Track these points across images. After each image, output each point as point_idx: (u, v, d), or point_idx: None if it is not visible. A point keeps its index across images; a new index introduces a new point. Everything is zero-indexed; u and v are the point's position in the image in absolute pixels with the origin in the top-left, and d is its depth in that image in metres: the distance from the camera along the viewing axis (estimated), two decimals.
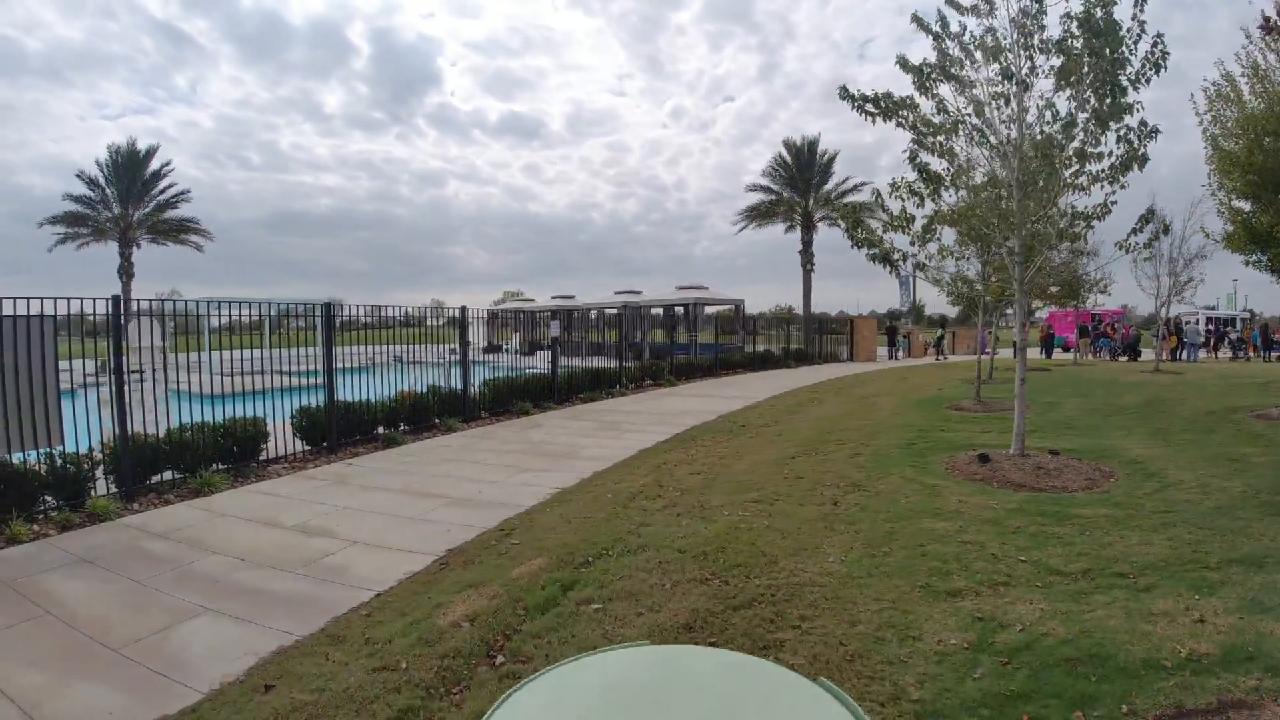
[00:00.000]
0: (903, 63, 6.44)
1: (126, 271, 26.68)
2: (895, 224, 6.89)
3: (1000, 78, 6.08)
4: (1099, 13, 5.51)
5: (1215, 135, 11.27)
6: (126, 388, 5.63)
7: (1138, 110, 5.65)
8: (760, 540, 4.33)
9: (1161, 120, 5.67)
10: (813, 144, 27.03)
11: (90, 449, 5.48)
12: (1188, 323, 25.47)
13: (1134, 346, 25.25)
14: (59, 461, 5.19)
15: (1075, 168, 5.96)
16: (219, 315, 6.67)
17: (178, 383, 7.10)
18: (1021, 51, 5.96)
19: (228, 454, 6.41)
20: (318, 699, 2.56)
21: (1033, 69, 5.97)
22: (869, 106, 6.42)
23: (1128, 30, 5.49)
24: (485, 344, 10.32)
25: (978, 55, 6.17)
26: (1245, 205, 11.29)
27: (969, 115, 6.30)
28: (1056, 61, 5.84)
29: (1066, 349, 27.24)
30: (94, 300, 5.47)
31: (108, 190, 26.61)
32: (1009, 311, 14.68)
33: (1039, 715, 2.30)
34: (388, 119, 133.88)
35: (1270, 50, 9.80)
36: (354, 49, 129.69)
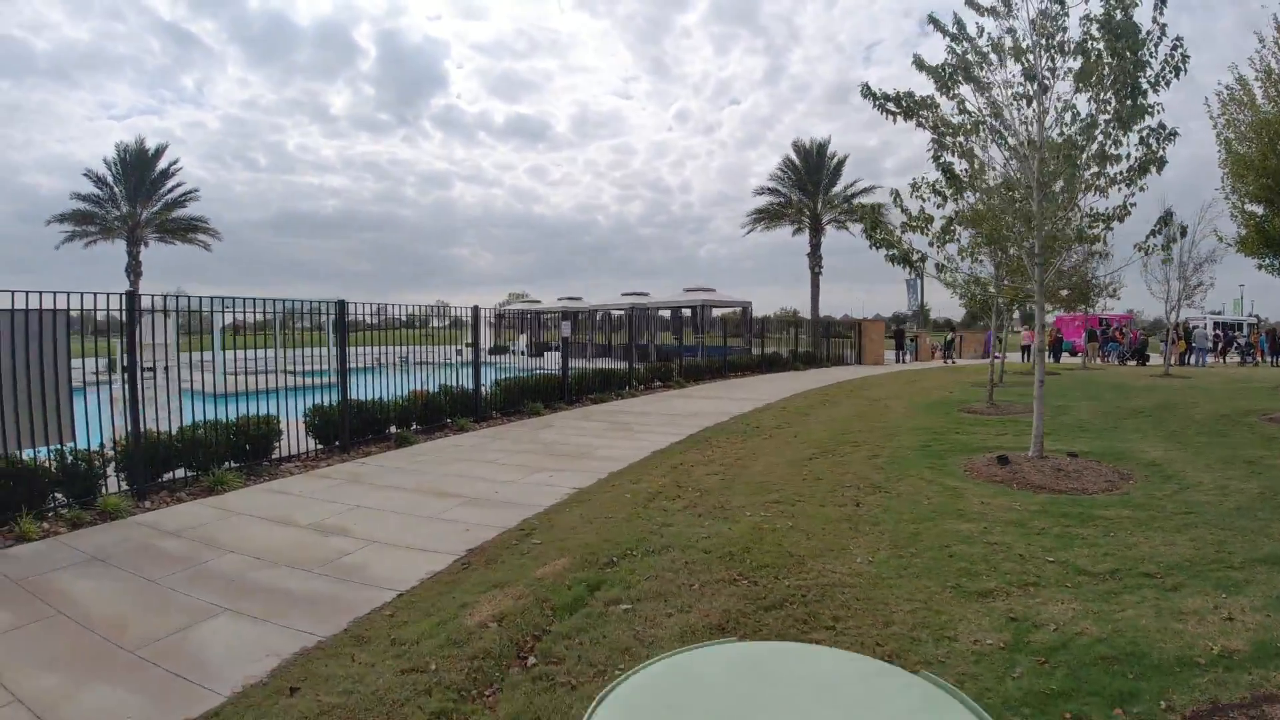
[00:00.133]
0: (919, 63, 6.43)
1: (134, 270, 26.68)
2: (914, 224, 6.84)
3: (1023, 79, 6.04)
4: (1119, 15, 5.48)
5: (1229, 139, 11.20)
6: (140, 384, 5.55)
7: (1158, 112, 5.62)
8: (785, 541, 4.28)
9: (1167, 123, 5.66)
10: (822, 147, 27.03)
11: (102, 445, 5.41)
12: (1195, 327, 25.30)
13: (1142, 351, 25.12)
14: (70, 458, 5.11)
15: (1095, 169, 5.91)
16: (232, 312, 6.60)
17: (191, 381, 7.03)
18: (1042, 53, 5.92)
19: (240, 452, 6.33)
20: (346, 702, 2.47)
21: (1053, 70, 5.93)
22: (890, 105, 6.41)
23: (1147, 33, 5.47)
24: (491, 345, 10.26)
25: (993, 57, 6.16)
26: (1259, 209, 11.24)
27: (988, 116, 6.26)
28: (1075, 63, 5.81)
29: (1074, 353, 27.13)
30: (108, 295, 5.40)
31: (116, 189, 26.63)
32: (1015, 315, 14.61)
33: (1080, 713, 2.29)
34: (394, 121, 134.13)
35: None
36: (360, 51, 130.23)
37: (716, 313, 24.40)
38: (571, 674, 2.69)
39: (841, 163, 26.65)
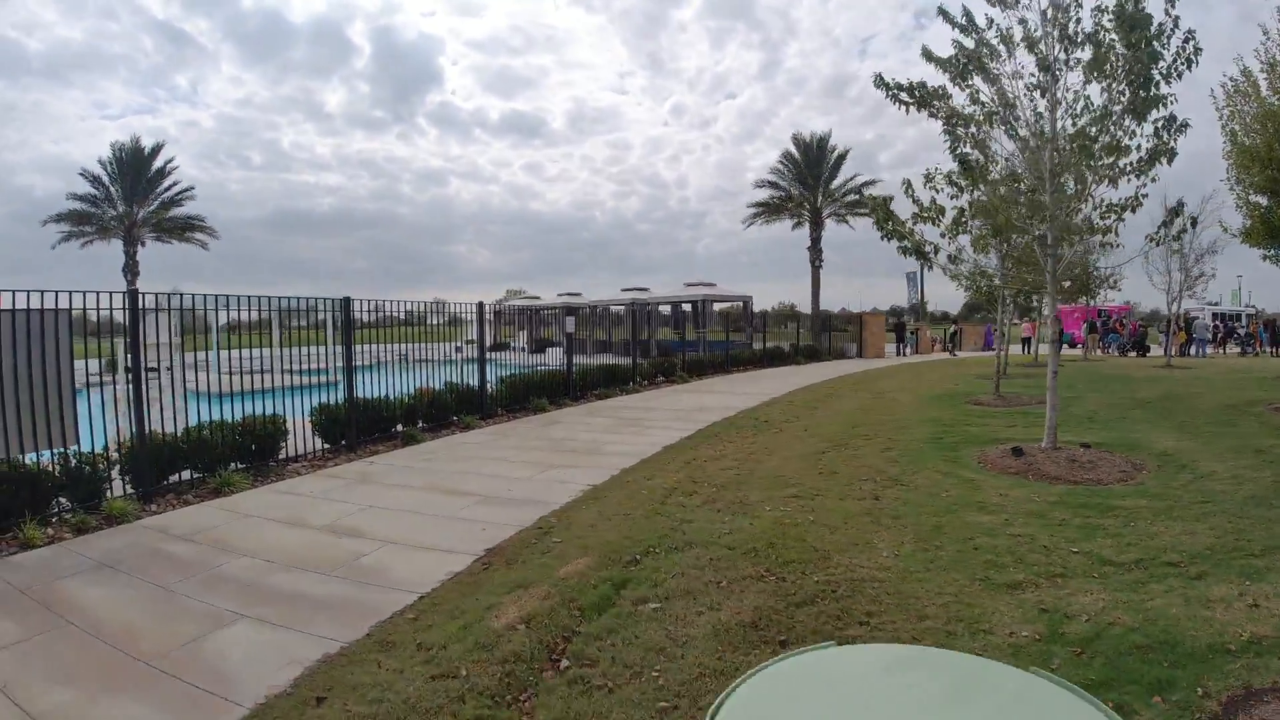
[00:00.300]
0: (928, 54, 6.44)
1: (132, 269, 26.35)
2: (926, 215, 6.80)
3: (1037, 69, 6.00)
4: (1130, 7, 5.47)
5: (1234, 130, 11.17)
6: (144, 384, 5.43)
7: (1171, 103, 5.62)
8: (809, 536, 4.23)
9: (1177, 114, 5.66)
10: (823, 140, 26.92)
11: (106, 448, 5.29)
12: (1195, 318, 25.33)
13: (1141, 342, 25.14)
14: (73, 461, 4.99)
15: (1111, 160, 5.88)
16: (237, 311, 6.48)
17: (196, 381, 6.90)
18: (1055, 44, 5.88)
19: (246, 453, 6.22)
20: (376, 711, 2.38)
21: (1066, 61, 5.90)
22: (904, 95, 6.41)
23: (1160, 25, 5.46)
24: (492, 342, 10.15)
25: (1001, 48, 6.14)
26: (1263, 200, 11.24)
27: (1001, 106, 6.22)
28: (1085, 54, 5.80)
29: (1073, 345, 27.12)
30: (110, 294, 5.27)
31: (112, 188, 26.24)
32: (1010, 307, 14.56)
33: (1122, 702, 2.30)
34: (389, 118, 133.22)
35: None
36: (355, 48, 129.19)
37: (716, 307, 24.30)
38: (607, 676, 2.61)
39: (842, 156, 26.61)
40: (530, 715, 2.36)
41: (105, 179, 26.30)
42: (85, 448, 5.11)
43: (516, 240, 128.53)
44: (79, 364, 5.40)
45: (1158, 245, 7.11)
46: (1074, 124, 5.96)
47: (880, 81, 6.42)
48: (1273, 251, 11.94)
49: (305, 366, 8.31)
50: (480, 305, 9.65)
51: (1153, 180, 5.94)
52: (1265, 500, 4.65)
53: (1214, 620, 2.85)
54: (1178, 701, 2.29)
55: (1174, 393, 11.24)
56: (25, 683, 2.68)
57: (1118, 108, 5.70)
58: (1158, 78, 5.51)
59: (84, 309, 5.20)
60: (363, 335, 7.94)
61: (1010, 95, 6.18)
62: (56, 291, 4.97)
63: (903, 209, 6.91)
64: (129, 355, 5.41)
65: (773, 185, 27.76)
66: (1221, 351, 26.55)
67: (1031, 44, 5.98)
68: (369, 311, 7.80)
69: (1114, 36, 5.56)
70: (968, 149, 6.38)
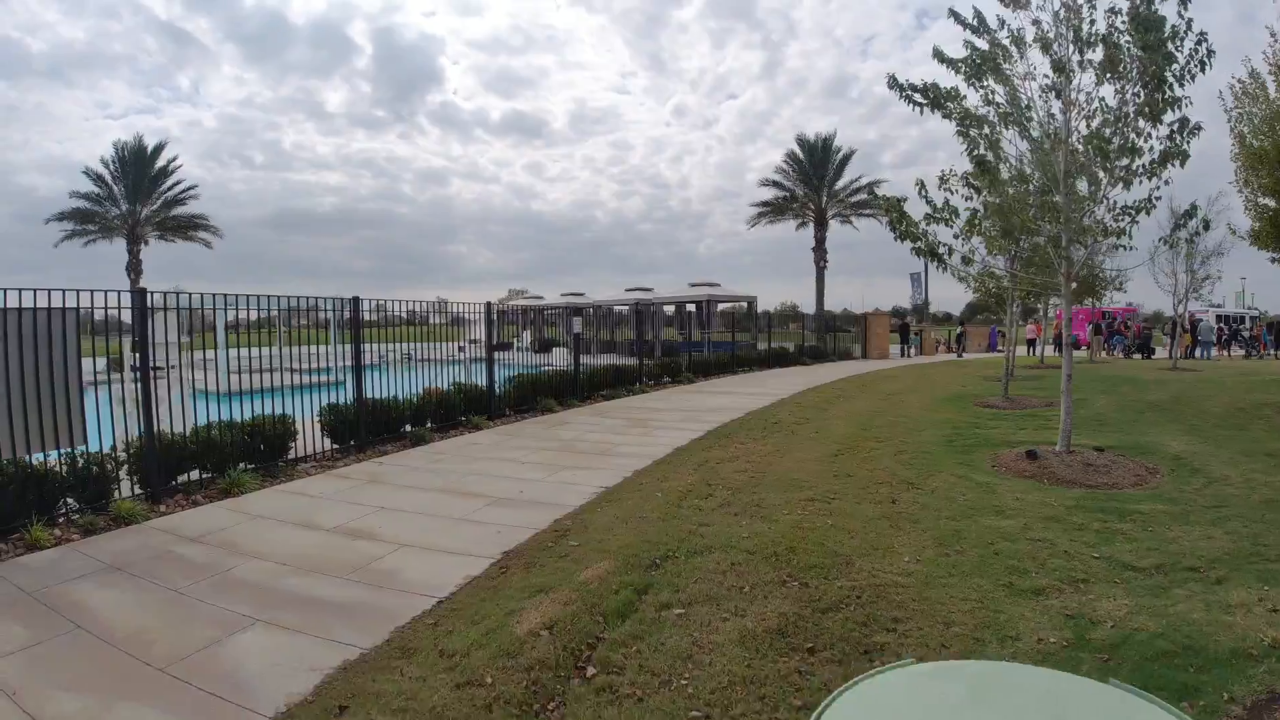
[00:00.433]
0: (939, 55, 6.42)
1: (135, 269, 26.27)
2: (939, 216, 6.75)
3: (1052, 71, 5.96)
4: (1143, 9, 5.47)
5: (1243, 132, 11.12)
6: (153, 384, 5.36)
7: (1186, 105, 5.59)
8: (829, 540, 4.17)
9: (1190, 117, 5.64)
10: (827, 141, 26.90)
11: (114, 447, 5.22)
12: (1200, 320, 25.25)
13: (1146, 344, 25.07)
14: (80, 461, 4.92)
15: (1127, 161, 5.85)
16: (247, 310, 6.41)
17: (205, 380, 6.83)
18: (1069, 44, 5.86)
19: (254, 453, 6.15)
20: None
21: (1081, 62, 5.88)
22: (918, 96, 6.40)
23: (1173, 27, 5.43)
24: (495, 341, 10.09)
25: (1013, 49, 6.09)
26: (1272, 202, 11.20)
27: (1019, 106, 6.19)
28: (1095, 55, 5.78)
29: (1078, 346, 27.05)
30: (119, 293, 5.21)
31: (115, 187, 26.17)
32: (1016, 309, 14.50)
33: None
34: (390, 117, 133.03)
35: None
36: (356, 48, 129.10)
37: (720, 307, 24.22)
38: (636, 685, 2.55)
39: (847, 157, 26.60)
40: None
41: (108, 178, 26.26)
42: (93, 448, 5.04)
43: (517, 240, 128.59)
44: (84, 362, 5.33)
45: (1171, 247, 7.09)
46: (1087, 125, 5.94)
47: (894, 82, 6.39)
48: None
49: (309, 366, 8.24)
50: (489, 305, 9.59)
51: (1167, 183, 5.93)
52: (1279, 505, 4.64)
53: (1235, 625, 2.85)
54: (1205, 707, 2.30)
55: (1182, 395, 11.17)
56: (35, 689, 2.61)
57: (1130, 109, 5.68)
58: (1171, 80, 5.49)
59: (92, 308, 5.14)
60: (370, 335, 7.88)
61: (1025, 96, 6.17)
62: (64, 290, 4.90)
63: (910, 209, 6.89)
64: (137, 354, 5.34)
65: (777, 185, 27.76)
66: (1226, 354, 26.47)
67: (1046, 45, 5.95)
68: (375, 311, 7.74)
69: (1128, 38, 5.55)
70: (984, 150, 6.34)
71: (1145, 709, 1.03)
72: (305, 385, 7.35)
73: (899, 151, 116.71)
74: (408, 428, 7.99)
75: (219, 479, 5.68)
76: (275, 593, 3.54)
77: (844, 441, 7.50)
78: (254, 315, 6.92)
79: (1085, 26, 5.75)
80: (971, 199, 6.92)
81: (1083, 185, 6.15)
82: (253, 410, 6.28)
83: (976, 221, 7.24)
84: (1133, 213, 6.14)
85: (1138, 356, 24.24)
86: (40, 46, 69.48)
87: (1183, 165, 5.79)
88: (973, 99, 6.29)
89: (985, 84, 6.21)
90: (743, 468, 6.26)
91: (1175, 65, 5.48)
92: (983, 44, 6.17)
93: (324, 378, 8.54)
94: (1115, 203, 6.15)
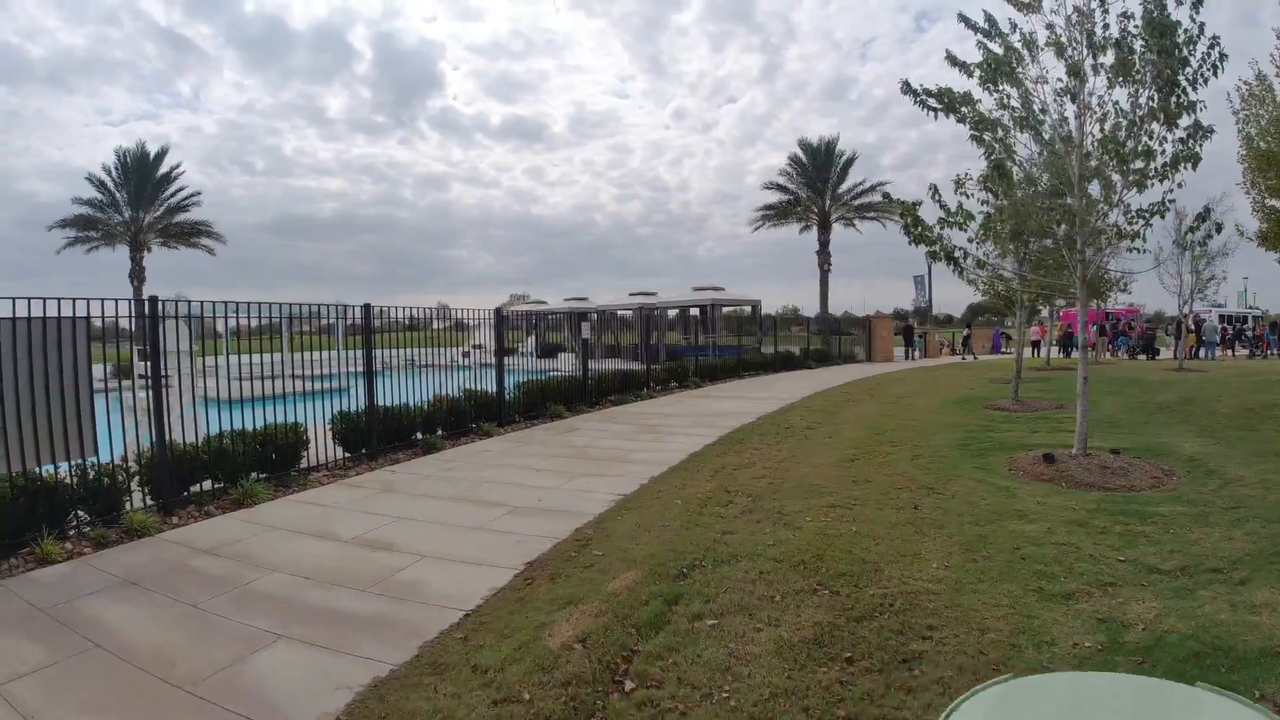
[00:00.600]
0: (951, 59, 6.43)
1: (138, 275, 26.17)
2: (953, 220, 6.73)
3: (1066, 75, 5.95)
4: (1156, 13, 5.46)
5: (1250, 134, 11.12)
6: (165, 393, 5.29)
7: (1201, 109, 5.57)
8: (855, 547, 4.13)
9: (1202, 120, 5.63)
10: (830, 145, 26.92)
11: (125, 458, 5.14)
12: (1204, 320, 25.21)
13: (1151, 345, 25.02)
14: (91, 473, 4.84)
15: (1142, 165, 5.83)
16: (258, 318, 6.35)
17: (217, 390, 6.74)
18: (1084, 48, 5.84)
19: (266, 462, 6.07)
20: None
21: (1095, 66, 5.86)
22: (932, 101, 6.42)
23: (1186, 31, 5.43)
24: (496, 347, 10.04)
25: (1025, 53, 6.06)
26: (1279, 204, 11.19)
27: (1033, 110, 6.17)
28: (1107, 59, 5.77)
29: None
30: (130, 301, 5.14)
31: (118, 193, 26.08)
32: (1030, 309, 14.46)
33: None
34: (390, 123, 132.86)
35: None
36: (356, 53, 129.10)
37: (724, 311, 24.18)
38: (676, 699, 2.48)
39: (851, 160, 26.63)
40: None
41: (111, 184, 26.18)
42: (103, 458, 4.96)
43: (518, 244, 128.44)
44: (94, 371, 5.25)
45: (1185, 250, 7.11)
46: (1101, 129, 5.92)
47: (908, 87, 6.39)
48: None
49: (314, 373, 8.16)
50: (498, 311, 9.53)
51: (1180, 186, 5.91)
52: None
53: (1261, 625, 2.87)
54: None
55: (1191, 396, 11.13)
56: (54, 713, 2.51)
57: (1142, 112, 5.67)
58: (1185, 84, 5.48)
59: (103, 316, 5.07)
60: (379, 340, 7.80)
61: (1038, 100, 6.15)
62: (74, 299, 4.84)
63: (926, 213, 6.87)
64: (148, 363, 5.27)
65: (781, 188, 27.80)
66: (1230, 354, 26.43)
67: (1060, 49, 5.95)
68: (382, 318, 7.66)
69: (1141, 43, 5.54)
70: (1001, 154, 6.33)
71: (1237, 710, 1.05)
72: (312, 393, 7.28)
73: (898, 154, 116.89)
74: (419, 435, 7.91)
75: (231, 489, 5.59)
76: (297, 607, 3.46)
77: (858, 446, 7.43)
78: (265, 322, 6.85)
79: (1099, 31, 5.74)
80: (987, 202, 6.91)
81: (1095, 188, 6.14)
82: (252, 419, 6.10)
83: (992, 225, 7.21)
84: (1147, 215, 6.12)
85: (1142, 357, 24.20)
86: (40, 52, 69.64)
87: (1194, 168, 5.79)
88: (987, 103, 6.29)
89: (1000, 88, 6.19)
90: (760, 474, 6.20)
91: (1189, 69, 5.47)
92: (995, 48, 6.15)
93: (327, 384, 8.46)
94: (1129, 206, 6.14)
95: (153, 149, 26.89)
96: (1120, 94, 5.79)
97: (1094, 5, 5.74)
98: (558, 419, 10.00)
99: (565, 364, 12.50)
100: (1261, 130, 10.95)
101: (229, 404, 6.01)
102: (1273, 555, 3.67)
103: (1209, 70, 5.50)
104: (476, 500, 5.54)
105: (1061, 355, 24.45)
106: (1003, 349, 29.29)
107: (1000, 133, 6.31)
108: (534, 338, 21.04)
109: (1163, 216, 6.16)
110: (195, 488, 5.55)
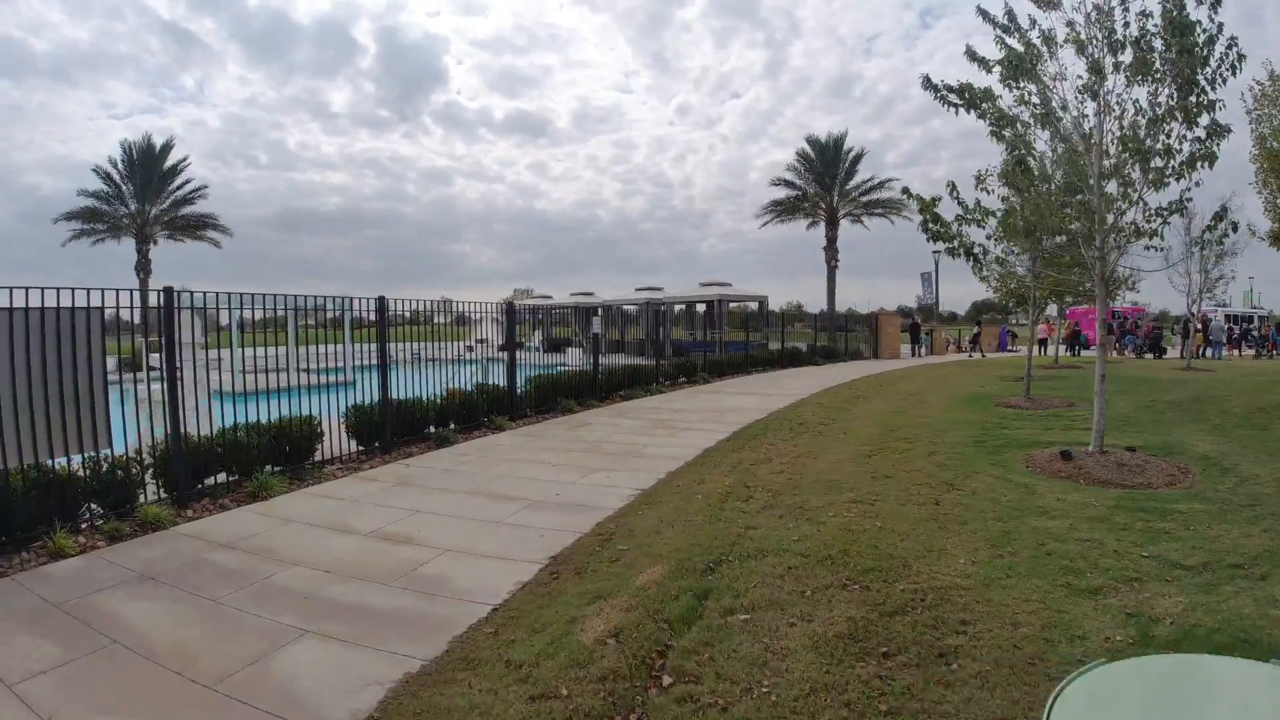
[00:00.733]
0: (971, 54, 6.44)
1: (144, 268, 26.09)
2: (971, 217, 6.69)
3: (1087, 72, 5.89)
4: (1175, 13, 5.41)
5: (1264, 134, 11.04)
6: (180, 385, 5.23)
7: (1220, 108, 5.54)
8: (880, 543, 4.09)
9: (1220, 120, 5.61)
10: (839, 141, 26.83)
11: (139, 450, 5.09)
12: (1210, 320, 25.09)
13: (1157, 343, 24.92)
14: (105, 465, 4.78)
15: (1161, 163, 5.78)
16: (274, 310, 6.28)
17: (222, 382, 6.69)
18: (1104, 46, 5.79)
19: (280, 455, 6.01)
20: None
21: (1115, 65, 5.81)
22: (952, 97, 6.40)
23: (1204, 30, 5.39)
24: (503, 341, 9.99)
25: (1044, 50, 6.03)
26: None
27: (1054, 107, 6.12)
28: (1125, 57, 5.71)
29: (1087, 346, 26.90)
30: (145, 293, 5.08)
31: (124, 186, 26.00)
32: (1042, 306, 14.37)
33: None
34: (394, 117, 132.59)
35: None
36: (360, 47, 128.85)
37: (730, 307, 24.08)
38: (716, 694, 2.44)
39: (859, 157, 26.55)
40: None
41: (117, 177, 26.10)
42: (117, 451, 4.91)
43: (521, 239, 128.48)
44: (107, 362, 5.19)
45: (1203, 249, 7.10)
46: (1120, 127, 5.87)
47: (928, 83, 6.35)
48: None
49: (322, 365, 8.09)
50: (510, 305, 9.47)
51: (1197, 185, 5.86)
52: None
53: None
54: None
55: (1202, 395, 11.06)
56: (73, 712, 2.43)
57: (1162, 110, 5.62)
58: (1203, 83, 5.44)
59: (117, 307, 5.01)
60: (393, 334, 7.74)
61: (1057, 97, 6.11)
62: (89, 289, 4.77)
63: (944, 210, 6.82)
64: (164, 354, 5.21)
65: (788, 184, 27.72)
66: (1236, 353, 26.32)
67: (1081, 47, 5.89)
68: (416, 308, 7.59)
69: (1160, 41, 5.50)
70: (1023, 151, 6.29)
71: None
72: (324, 385, 7.22)
73: (902, 151, 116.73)
74: (431, 429, 7.86)
75: (246, 482, 5.54)
76: (320, 601, 3.40)
77: (873, 442, 7.37)
78: (279, 314, 6.79)
79: (1119, 29, 5.69)
80: (1006, 199, 6.87)
81: (1113, 186, 6.09)
82: (264, 409, 6.09)
83: (1010, 221, 7.16)
84: (1165, 213, 6.08)
85: (1149, 356, 24.09)
86: (44, 46, 69.73)
87: (1210, 167, 5.76)
88: (1007, 99, 6.25)
89: (1021, 85, 6.14)
90: (778, 469, 6.14)
91: (1207, 69, 5.43)
92: (1015, 43, 6.10)
93: (334, 377, 8.38)
94: (1147, 204, 6.09)
95: (159, 142, 26.85)
96: (1139, 92, 5.77)
97: (1114, 3, 5.69)
98: (568, 413, 9.94)
99: (572, 359, 12.43)
100: (1275, 130, 10.87)
101: (241, 396, 5.95)
102: None
103: (1227, 70, 5.47)
104: (493, 494, 5.48)
105: (1068, 353, 24.35)
106: (1009, 347, 29.19)
107: (1020, 129, 6.27)
108: (540, 332, 21.01)
109: (1180, 215, 6.12)
110: (210, 480, 5.50)
